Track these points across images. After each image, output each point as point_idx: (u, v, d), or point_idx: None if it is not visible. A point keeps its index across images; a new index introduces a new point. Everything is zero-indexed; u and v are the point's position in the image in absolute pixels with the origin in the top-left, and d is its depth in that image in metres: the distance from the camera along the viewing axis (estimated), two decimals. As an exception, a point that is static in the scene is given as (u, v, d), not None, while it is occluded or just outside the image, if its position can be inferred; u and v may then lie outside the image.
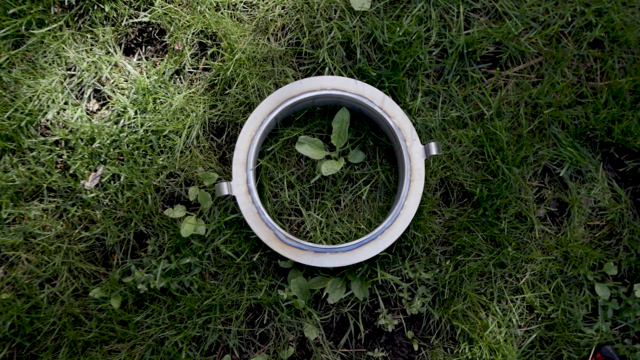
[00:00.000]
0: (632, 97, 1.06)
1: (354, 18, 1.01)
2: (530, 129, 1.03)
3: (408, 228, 0.96)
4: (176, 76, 1.01)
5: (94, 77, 1.00)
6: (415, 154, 0.85)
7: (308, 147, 0.97)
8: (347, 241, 0.97)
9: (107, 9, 1.01)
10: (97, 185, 0.96)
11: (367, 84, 0.87)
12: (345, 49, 1.01)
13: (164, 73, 1.00)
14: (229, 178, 0.97)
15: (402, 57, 0.99)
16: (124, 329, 0.93)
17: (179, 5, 1.02)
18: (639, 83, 1.06)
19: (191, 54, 1.01)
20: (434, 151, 0.84)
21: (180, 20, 1.01)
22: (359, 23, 1.01)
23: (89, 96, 1.00)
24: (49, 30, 1.00)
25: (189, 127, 0.98)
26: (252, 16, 1.02)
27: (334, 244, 0.97)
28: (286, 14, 1.02)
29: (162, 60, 1.01)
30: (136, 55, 1.02)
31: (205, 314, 0.94)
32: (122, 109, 0.98)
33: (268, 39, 1.01)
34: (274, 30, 1.02)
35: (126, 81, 1.00)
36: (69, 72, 1.00)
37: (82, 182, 0.96)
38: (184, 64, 1.01)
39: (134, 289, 0.93)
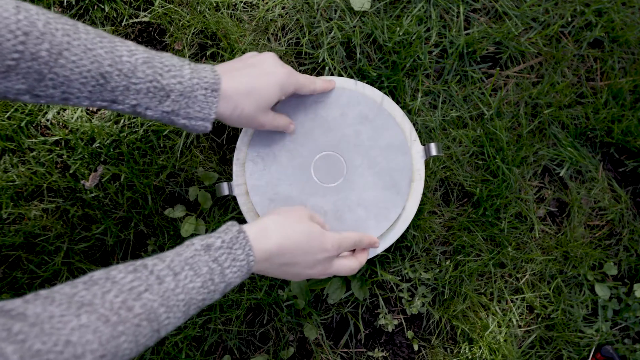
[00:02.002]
0: (632, 97, 1.07)
1: (354, 18, 1.01)
2: (530, 129, 1.03)
3: (408, 228, 0.96)
4: (176, 76, 1.01)
5: (94, 77, 1.00)
6: (415, 155, 0.85)
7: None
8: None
9: (107, 9, 1.01)
10: (97, 185, 0.97)
11: (367, 84, 0.86)
12: (345, 49, 1.01)
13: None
14: (229, 178, 0.97)
15: (402, 57, 0.99)
16: (124, 329, 0.93)
17: (179, 5, 1.02)
18: (639, 83, 1.06)
19: (191, 54, 1.01)
20: (434, 152, 0.84)
21: (180, 20, 1.01)
22: (359, 23, 1.01)
23: (89, 96, 1.00)
24: (49, 30, 0.99)
25: (189, 127, 0.98)
26: (252, 16, 1.02)
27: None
28: (286, 14, 1.01)
29: (162, 60, 1.01)
30: (136, 55, 1.02)
31: (205, 314, 0.94)
32: (122, 109, 0.98)
33: (268, 39, 1.01)
34: (274, 30, 1.02)
35: (126, 81, 1.00)
36: (69, 72, 1.00)
37: (82, 182, 0.96)
38: (184, 64, 1.01)
39: (134, 289, 0.93)
